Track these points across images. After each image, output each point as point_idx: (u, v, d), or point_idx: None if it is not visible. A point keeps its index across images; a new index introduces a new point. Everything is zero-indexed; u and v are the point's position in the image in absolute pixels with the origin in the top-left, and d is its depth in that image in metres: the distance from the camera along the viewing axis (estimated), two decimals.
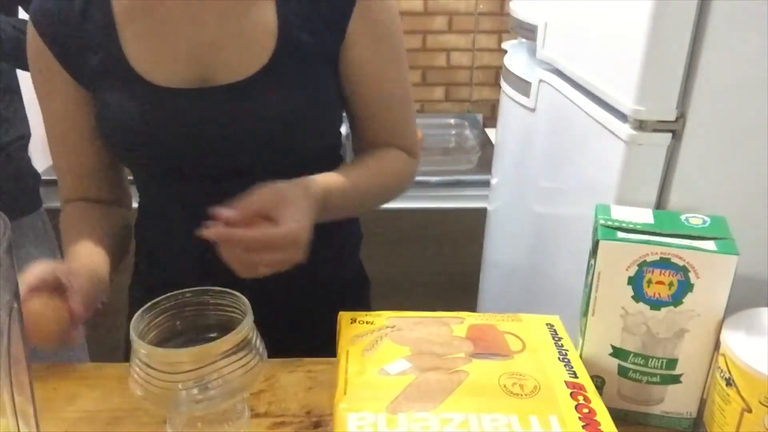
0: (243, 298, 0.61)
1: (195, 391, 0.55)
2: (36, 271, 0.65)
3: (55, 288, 0.64)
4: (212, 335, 0.60)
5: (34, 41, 0.79)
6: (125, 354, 0.93)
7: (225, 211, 0.64)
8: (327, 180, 0.77)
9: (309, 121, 0.79)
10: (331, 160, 0.87)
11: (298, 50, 0.77)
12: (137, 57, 0.77)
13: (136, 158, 0.82)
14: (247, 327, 0.57)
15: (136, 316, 0.58)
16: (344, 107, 0.86)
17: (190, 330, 0.62)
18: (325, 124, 0.82)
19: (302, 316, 0.86)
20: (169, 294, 0.62)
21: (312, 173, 0.76)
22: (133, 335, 0.56)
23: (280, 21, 0.77)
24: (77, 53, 0.78)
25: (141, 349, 0.55)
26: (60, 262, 0.69)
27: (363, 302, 0.99)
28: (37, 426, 0.51)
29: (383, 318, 0.69)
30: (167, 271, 0.88)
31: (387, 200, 0.89)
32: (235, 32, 0.77)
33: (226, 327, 0.58)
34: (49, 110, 0.83)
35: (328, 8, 0.78)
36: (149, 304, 0.60)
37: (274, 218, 0.66)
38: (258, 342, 0.59)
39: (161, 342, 0.60)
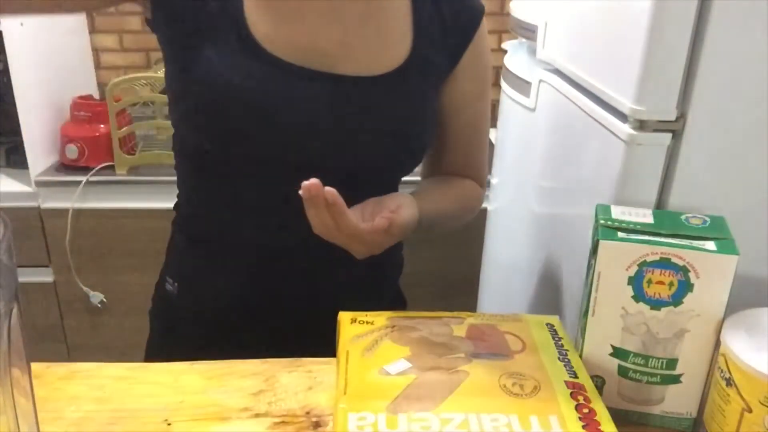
0: None
1: None
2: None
3: None
4: None
5: None
6: (146, 353, 0.94)
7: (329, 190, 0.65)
8: (421, 203, 0.79)
9: (415, 133, 0.82)
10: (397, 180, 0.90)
11: (425, 66, 0.81)
12: (259, 29, 0.75)
13: (222, 123, 0.75)
14: None
15: None
16: None
17: None
18: (425, 141, 0.85)
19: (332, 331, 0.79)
20: None
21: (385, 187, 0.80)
22: None
23: (415, 34, 0.81)
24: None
25: None
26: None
27: None
28: (37, 426, 0.51)
29: (383, 318, 0.69)
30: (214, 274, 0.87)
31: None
32: (369, 35, 0.78)
33: None
34: None
35: (452, 36, 0.83)
36: None
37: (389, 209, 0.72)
38: None
39: None
